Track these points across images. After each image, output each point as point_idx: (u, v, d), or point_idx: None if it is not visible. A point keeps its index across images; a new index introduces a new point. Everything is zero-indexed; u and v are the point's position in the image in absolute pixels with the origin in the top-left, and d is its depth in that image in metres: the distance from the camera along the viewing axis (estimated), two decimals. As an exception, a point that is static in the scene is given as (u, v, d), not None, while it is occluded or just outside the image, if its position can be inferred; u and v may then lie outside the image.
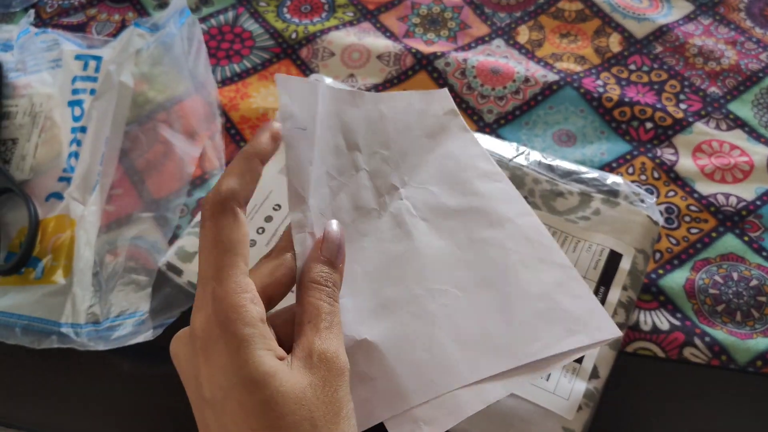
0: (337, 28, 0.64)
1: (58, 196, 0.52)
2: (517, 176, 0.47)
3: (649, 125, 0.55)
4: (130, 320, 0.44)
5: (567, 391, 0.40)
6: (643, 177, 0.52)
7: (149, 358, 0.45)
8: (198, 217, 0.48)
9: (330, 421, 0.27)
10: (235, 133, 0.57)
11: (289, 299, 0.32)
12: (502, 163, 0.48)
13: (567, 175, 0.47)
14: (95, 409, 0.45)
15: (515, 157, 0.48)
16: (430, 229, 0.37)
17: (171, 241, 0.50)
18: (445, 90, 0.43)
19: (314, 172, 0.34)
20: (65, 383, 0.46)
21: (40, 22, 0.67)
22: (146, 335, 0.43)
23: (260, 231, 0.47)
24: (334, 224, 0.33)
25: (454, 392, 0.32)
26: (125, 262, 0.48)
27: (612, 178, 0.47)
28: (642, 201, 0.46)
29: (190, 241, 0.47)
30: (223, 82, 0.60)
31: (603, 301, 0.42)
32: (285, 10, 0.66)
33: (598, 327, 0.34)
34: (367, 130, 0.38)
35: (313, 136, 0.34)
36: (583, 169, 0.48)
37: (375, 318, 0.33)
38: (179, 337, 0.30)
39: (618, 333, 0.34)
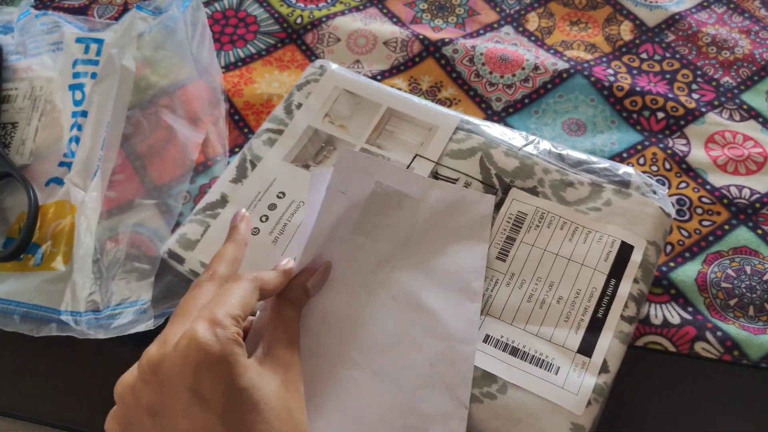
0: (343, 13, 0.62)
1: (59, 181, 0.51)
2: (527, 165, 0.46)
3: (660, 115, 0.54)
4: (132, 309, 0.43)
5: (576, 385, 0.39)
6: (654, 168, 0.51)
7: (145, 344, 0.45)
8: (201, 204, 0.47)
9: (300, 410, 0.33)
10: (239, 119, 0.56)
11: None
12: (511, 152, 0.47)
13: (577, 164, 0.46)
14: (95, 398, 0.44)
15: (525, 145, 0.47)
16: (389, 308, 0.41)
17: (174, 229, 0.49)
18: (492, 197, 0.45)
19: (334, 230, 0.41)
20: (64, 372, 0.46)
21: (41, 5, 0.66)
22: (147, 324, 0.42)
23: (264, 219, 0.46)
24: (328, 265, 0.41)
25: None
26: (127, 250, 0.47)
27: (623, 169, 0.46)
28: (654, 192, 0.45)
29: (192, 228, 0.46)
30: (227, 68, 0.59)
31: (613, 294, 0.41)
32: (290, -6, 0.65)
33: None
34: (399, 206, 0.44)
35: (349, 200, 0.41)
36: (593, 158, 0.47)
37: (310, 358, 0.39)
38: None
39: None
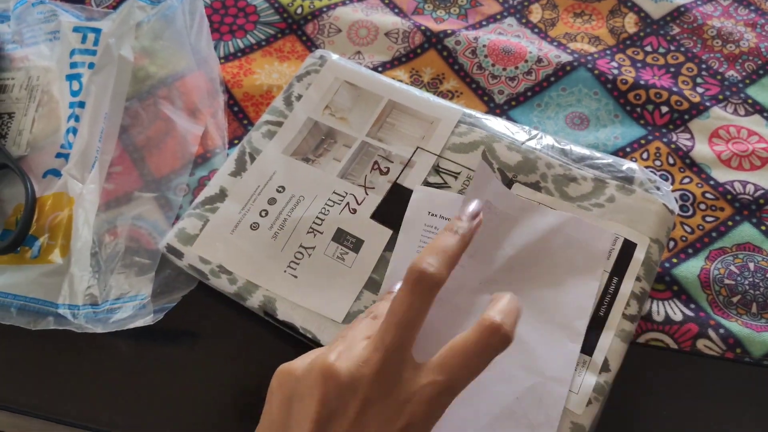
0: (343, 3, 0.62)
1: (56, 173, 0.50)
2: (530, 160, 0.46)
3: (664, 109, 0.53)
4: (130, 303, 0.43)
5: (577, 384, 0.38)
6: (657, 162, 0.51)
7: (148, 340, 0.44)
8: (200, 198, 0.46)
9: None
10: (238, 110, 0.55)
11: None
12: (514, 146, 0.46)
13: (581, 159, 0.46)
14: (93, 391, 0.44)
15: (528, 140, 0.47)
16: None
17: (174, 223, 0.49)
18: (612, 234, 0.42)
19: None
20: (62, 365, 0.45)
21: (38, -7, 0.65)
22: (146, 320, 0.42)
23: (263, 214, 0.45)
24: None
25: None
26: (126, 243, 0.47)
27: (627, 164, 0.45)
28: (657, 188, 0.44)
29: (191, 222, 0.45)
30: (226, 58, 0.59)
31: (615, 292, 0.41)
32: (290, -17, 0.64)
33: None
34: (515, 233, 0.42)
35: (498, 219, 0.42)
36: (597, 154, 0.46)
37: None
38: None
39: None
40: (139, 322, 0.42)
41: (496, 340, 0.30)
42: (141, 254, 0.46)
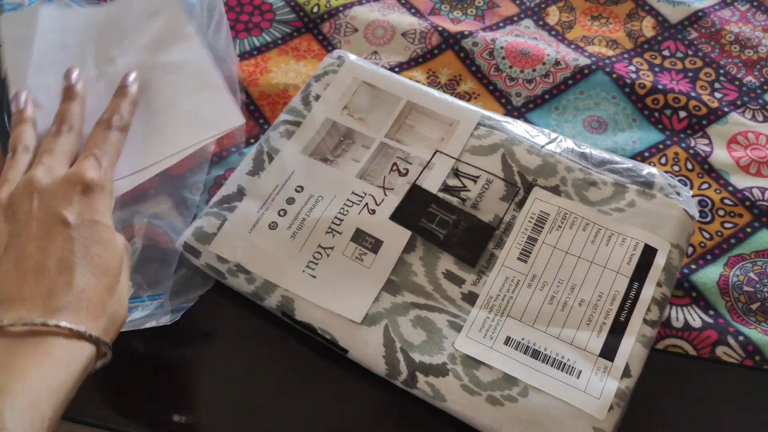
0: (360, 2, 0.61)
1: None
2: (550, 164, 0.45)
3: (682, 114, 0.53)
4: (148, 303, 0.43)
5: (598, 390, 0.38)
6: (676, 168, 0.51)
7: (165, 340, 0.44)
8: (217, 197, 0.46)
9: None
10: (254, 109, 0.55)
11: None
12: (534, 150, 0.46)
13: (601, 164, 0.46)
14: (108, 391, 0.44)
15: (547, 143, 0.46)
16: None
17: (191, 221, 0.49)
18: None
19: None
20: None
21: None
22: (164, 319, 0.42)
23: (282, 213, 0.45)
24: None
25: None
26: (142, 242, 0.47)
27: (647, 169, 0.45)
28: (678, 194, 0.44)
29: (208, 221, 0.45)
30: (242, 56, 0.58)
31: (636, 298, 0.41)
32: (306, -18, 0.64)
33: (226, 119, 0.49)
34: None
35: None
36: (617, 158, 0.46)
37: None
38: None
39: (240, 120, 0.49)
40: (156, 322, 0.42)
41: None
42: (158, 253, 0.46)
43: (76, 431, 0.43)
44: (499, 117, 0.48)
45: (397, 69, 0.57)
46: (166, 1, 0.54)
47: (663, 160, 0.51)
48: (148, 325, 0.42)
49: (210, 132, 0.48)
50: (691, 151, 0.51)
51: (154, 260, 0.45)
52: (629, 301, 0.41)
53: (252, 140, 0.53)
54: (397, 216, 0.44)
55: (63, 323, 0.33)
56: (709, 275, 0.46)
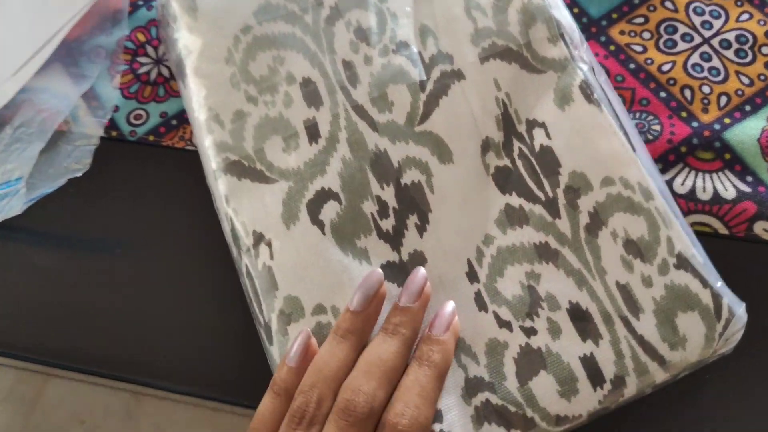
0: None
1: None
2: None
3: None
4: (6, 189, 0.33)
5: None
6: (706, -4, 0.39)
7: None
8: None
9: None
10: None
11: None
12: None
13: None
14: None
15: None
16: None
17: (86, 95, 0.39)
18: None
19: None
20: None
21: None
22: (14, 209, 0.32)
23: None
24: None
25: None
26: (21, 117, 0.37)
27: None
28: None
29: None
30: None
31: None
32: None
33: None
34: None
35: None
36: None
37: None
38: None
39: None
40: (7, 213, 0.33)
41: None
42: (34, 129, 0.36)
43: None
44: None
45: None
46: None
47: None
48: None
49: None
50: (728, -27, 0.39)
51: (24, 138, 0.36)
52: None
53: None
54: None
55: None
56: (747, 131, 0.35)
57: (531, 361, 0.29)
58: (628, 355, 0.29)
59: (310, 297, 0.30)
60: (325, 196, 0.32)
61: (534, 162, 0.32)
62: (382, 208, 0.32)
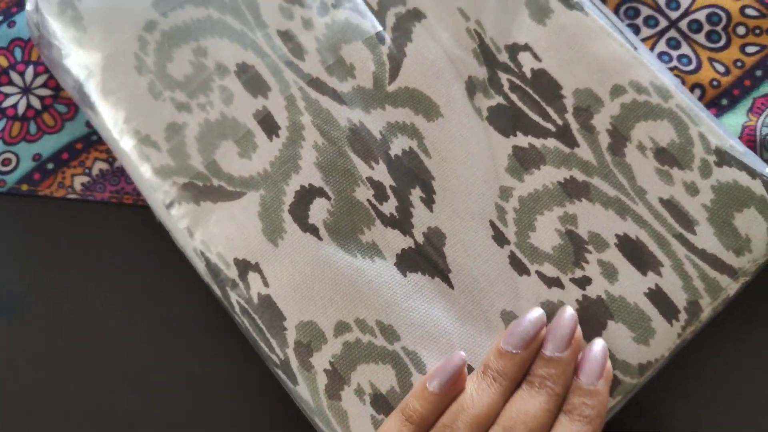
0: None
1: None
2: None
3: None
4: None
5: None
6: None
7: None
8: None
9: None
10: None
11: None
12: None
13: None
14: None
15: None
16: None
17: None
18: None
19: None
20: None
21: None
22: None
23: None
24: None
25: None
26: None
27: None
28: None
29: None
30: None
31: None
32: None
33: None
34: None
35: None
36: None
37: None
38: None
39: None
40: None
41: None
42: None
43: None
44: None
45: None
46: None
47: None
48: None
49: None
50: None
51: None
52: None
53: None
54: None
55: None
56: (729, 124, 0.31)
57: (594, 315, 0.25)
58: (695, 276, 0.25)
59: (326, 317, 0.25)
60: (307, 194, 0.26)
61: (530, 91, 0.27)
62: (378, 191, 0.27)
